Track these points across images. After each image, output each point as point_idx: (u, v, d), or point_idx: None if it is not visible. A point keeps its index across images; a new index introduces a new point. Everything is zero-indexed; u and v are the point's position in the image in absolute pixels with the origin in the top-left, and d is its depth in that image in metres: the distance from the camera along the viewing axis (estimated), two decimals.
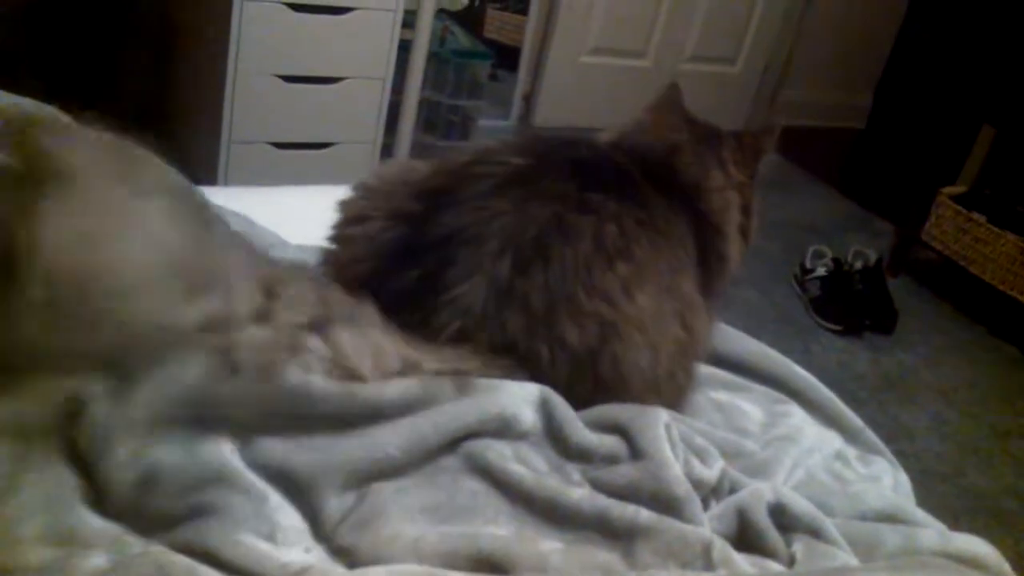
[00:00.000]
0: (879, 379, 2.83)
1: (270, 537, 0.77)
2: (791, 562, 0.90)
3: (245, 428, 0.81)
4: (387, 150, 3.02)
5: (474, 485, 0.86)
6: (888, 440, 1.23)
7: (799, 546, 0.91)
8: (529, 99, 4.10)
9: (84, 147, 0.82)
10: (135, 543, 0.73)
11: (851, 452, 1.18)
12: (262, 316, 0.83)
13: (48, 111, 1.08)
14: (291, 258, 1.18)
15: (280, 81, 2.70)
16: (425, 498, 0.83)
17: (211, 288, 0.80)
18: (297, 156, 2.83)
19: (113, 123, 0.85)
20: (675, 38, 4.21)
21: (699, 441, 0.98)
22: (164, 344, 0.77)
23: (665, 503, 0.87)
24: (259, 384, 0.80)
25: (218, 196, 1.20)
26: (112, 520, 0.75)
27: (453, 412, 0.88)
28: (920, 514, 1.04)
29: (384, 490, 0.82)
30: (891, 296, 3.15)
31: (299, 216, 1.29)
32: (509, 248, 0.96)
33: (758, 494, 0.94)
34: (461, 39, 3.37)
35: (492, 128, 3.81)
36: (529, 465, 0.88)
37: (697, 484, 0.91)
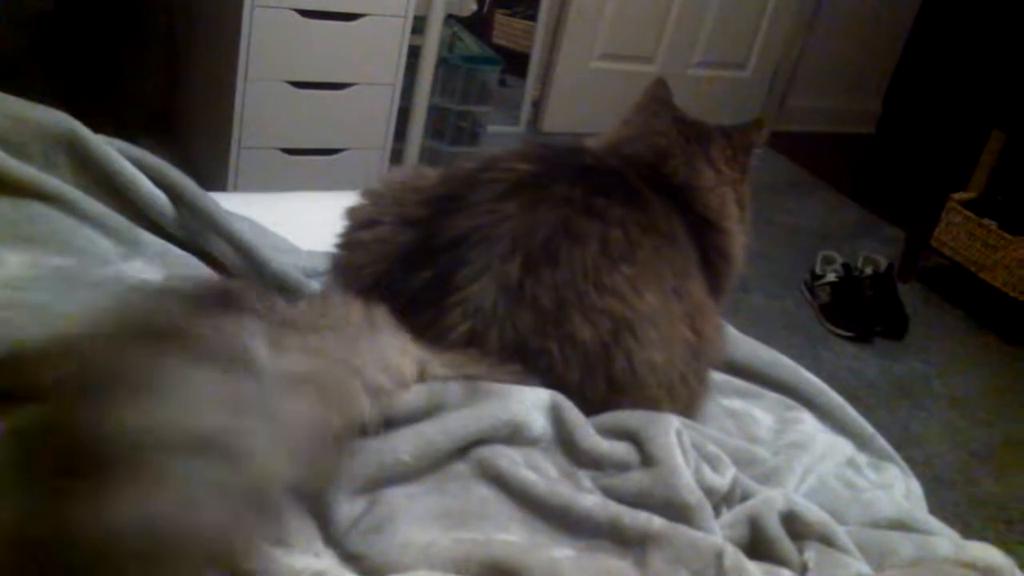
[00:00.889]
0: (889, 386, 2.82)
1: (280, 542, 0.77)
2: (803, 570, 0.89)
3: None
4: (396, 156, 3.02)
5: (485, 491, 0.86)
6: (898, 447, 1.23)
7: (811, 554, 0.90)
8: (538, 105, 4.10)
9: None
10: None
11: (863, 459, 1.18)
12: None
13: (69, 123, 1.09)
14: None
15: (290, 87, 2.71)
16: (436, 504, 0.83)
17: None
18: (306, 162, 2.84)
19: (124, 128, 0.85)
20: (684, 43, 4.20)
21: (711, 448, 0.98)
22: None
23: (677, 510, 0.87)
24: None
25: (228, 202, 1.21)
26: None
27: (464, 418, 0.88)
28: (933, 522, 1.04)
29: (395, 496, 0.82)
30: (901, 302, 3.14)
31: (308, 222, 1.30)
32: (519, 250, 0.97)
33: (770, 501, 0.93)
34: (470, 45, 3.37)
35: (501, 134, 3.81)
36: (540, 471, 0.88)
37: (709, 491, 0.91)
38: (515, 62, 4.03)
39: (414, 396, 0.87)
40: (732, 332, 1.30)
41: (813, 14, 4.45)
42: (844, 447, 1.18)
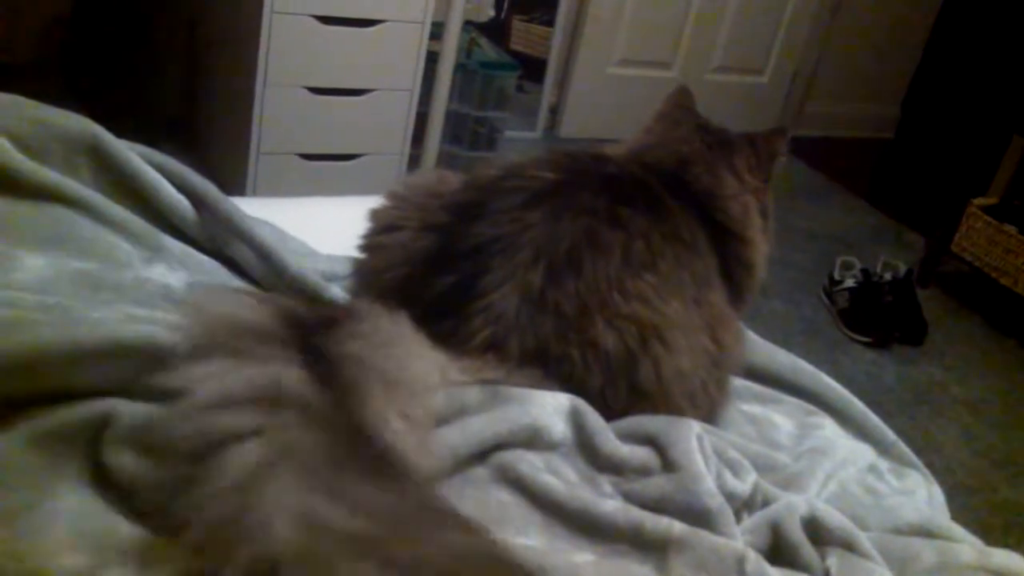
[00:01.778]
0: (908, 392, 2.81)
1: None
2: None
3: None
4: (414, 161, 3.03)
5: (504, 496, 0.85)
6: (918, 453, 1.22)
7: (833, 560, 0.90)
8: (555, 110, 4.10)
9: None
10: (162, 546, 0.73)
11: (884, 465, 1.17)
12: None
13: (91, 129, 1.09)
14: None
15: (308, 93, 2.72)
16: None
17: None
18: (325, 167, 2.84)
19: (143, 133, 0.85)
20: (702, 48, 4.20)
21: (732, 453, 0.98)
22: None
23: (698, 516, 0.86)
24: None
25: (247, 207, 1.21)
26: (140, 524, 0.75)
27: (483, 422, 0.88)
28: (956, 528, 1.03)
29: None
30: (921, 308, 3.12)
31: (326, 226, 1.30)
32: (542, 258, 0.97)
33: (791, 507, 0.93)
34: (487, 51, 3.38)
35: (518, 139, 3.82)
36: (560, 476, 0.88)
37: (730, 497, 0.90)
38: (532, 68, 4.03)
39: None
40: (751, 337, 1.30)
41: (831, 19, 4.43)
42: (865, 453, 1.17)
